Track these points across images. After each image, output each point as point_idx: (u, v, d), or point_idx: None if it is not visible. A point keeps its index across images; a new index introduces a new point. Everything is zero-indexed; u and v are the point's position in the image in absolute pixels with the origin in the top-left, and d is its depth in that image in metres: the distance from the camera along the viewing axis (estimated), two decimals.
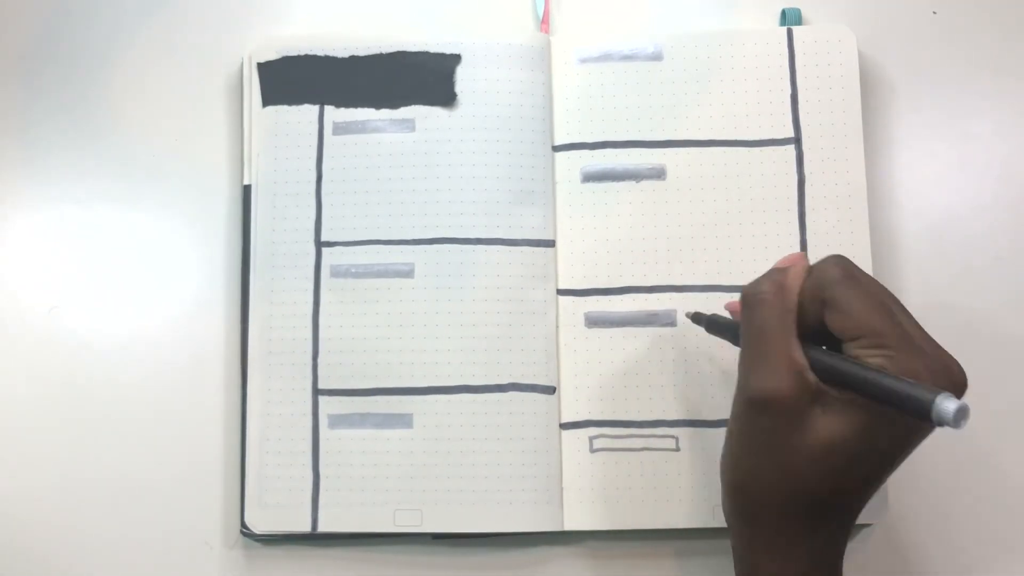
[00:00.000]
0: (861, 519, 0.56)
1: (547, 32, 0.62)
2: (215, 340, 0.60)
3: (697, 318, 0.56)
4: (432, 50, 0.61)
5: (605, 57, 0.61)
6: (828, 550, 0.49)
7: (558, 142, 0.60)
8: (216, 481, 0.59)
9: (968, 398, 0.59)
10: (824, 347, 0.48)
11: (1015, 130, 0.62)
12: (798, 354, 0.47)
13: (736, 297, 0.58)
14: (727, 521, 0.51)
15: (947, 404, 0.43)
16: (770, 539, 0.49)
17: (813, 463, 0.46)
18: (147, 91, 0.63)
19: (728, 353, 0.58)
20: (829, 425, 0.46)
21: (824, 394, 0.46)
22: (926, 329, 0.60)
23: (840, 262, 0.48)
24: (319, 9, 0.64)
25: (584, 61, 0.61)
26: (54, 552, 0.58)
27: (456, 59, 0.60)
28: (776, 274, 0.49)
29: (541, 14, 0.63)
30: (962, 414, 0.43)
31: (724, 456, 0.50)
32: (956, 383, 0.47)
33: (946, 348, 0.59)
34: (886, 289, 0.49)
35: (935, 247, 0.61)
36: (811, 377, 0.47)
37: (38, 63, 0.63)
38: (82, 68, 0.63)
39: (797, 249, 0.59)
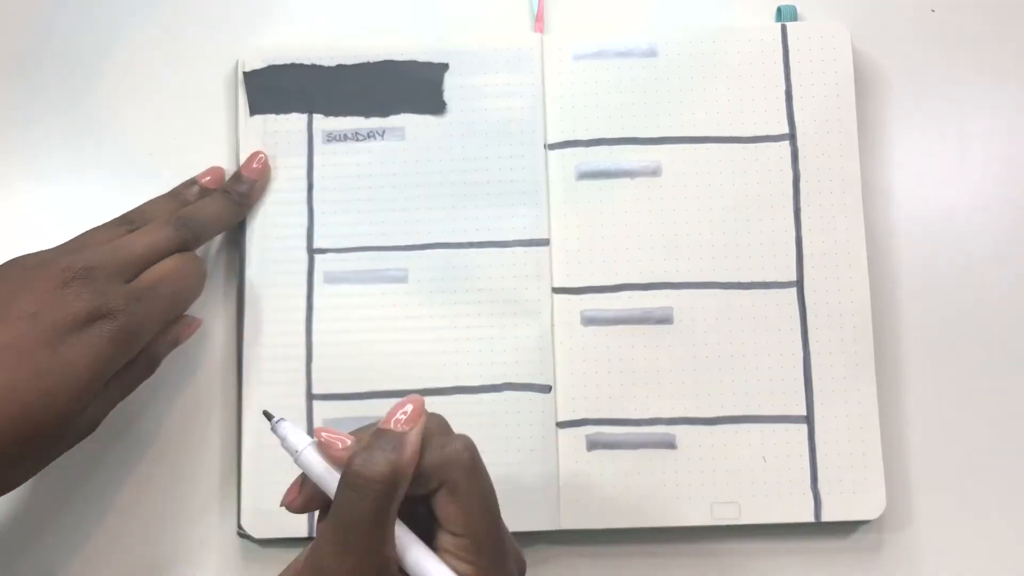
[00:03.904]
0: (856, 515, 0.57)
1: (541, 30, 0.62)
2: (211, 345, 0.60)
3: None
4: (420, 59, 0.60)
5: (599, 54, 0.61)
6: None
7: (552, 140, 0.60)
8: (213, 484, 0.59)
9: (965, 394, 0.59)
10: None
11: (1011, 127, 0.62)
12: (391, 548, 0.42)
13: (733, 295, 0.59)
14: None
15: None
16: None
17: None
18: (145, 94, 0.63)
19: (726, 350, 0.58)
20: None
21: None
22: (921, 323, 0.61)
23: (471, 446, 0.44)
24: (314, 16, 0.63)
25: (578, 58, 0.61)
26: (53, 553, 0.58)
27: (444, 67, 0.60)
28: (390, 451, 0.42)
29: (536, 12, 0.63)
30: None
31: None
32: None
33: (942, 344, 0.60)
34: (494, 491, 0.45)
35: (930, 243, 0.61)
36: (396, 572, 0.43)
37: (36, 65, 0.63)
38: (80, 70, 0.63)
39: (792, 246, 0.59)
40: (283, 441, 0.46)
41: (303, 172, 0.60)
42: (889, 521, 0.58)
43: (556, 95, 0.61)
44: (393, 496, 0.42)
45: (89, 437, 0.59)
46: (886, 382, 0.59)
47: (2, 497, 0.58)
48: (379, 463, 0.42)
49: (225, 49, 0.62)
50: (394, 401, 0.58)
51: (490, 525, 0.44)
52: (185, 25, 0.63)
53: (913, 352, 0.59)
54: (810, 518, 0.57)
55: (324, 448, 0.44)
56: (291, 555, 0.58)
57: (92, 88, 0.63)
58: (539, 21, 0.62)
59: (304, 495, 0.45)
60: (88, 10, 0.63)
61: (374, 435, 0.43)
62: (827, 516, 0.57)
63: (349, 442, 0.44)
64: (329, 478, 0.44)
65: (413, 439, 0.43)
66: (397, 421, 0.44)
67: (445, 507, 0.43)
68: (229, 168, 0.61)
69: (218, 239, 0.60)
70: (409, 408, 0.44)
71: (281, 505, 0.46)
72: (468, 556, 0.43)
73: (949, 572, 0.58)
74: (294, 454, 0.45)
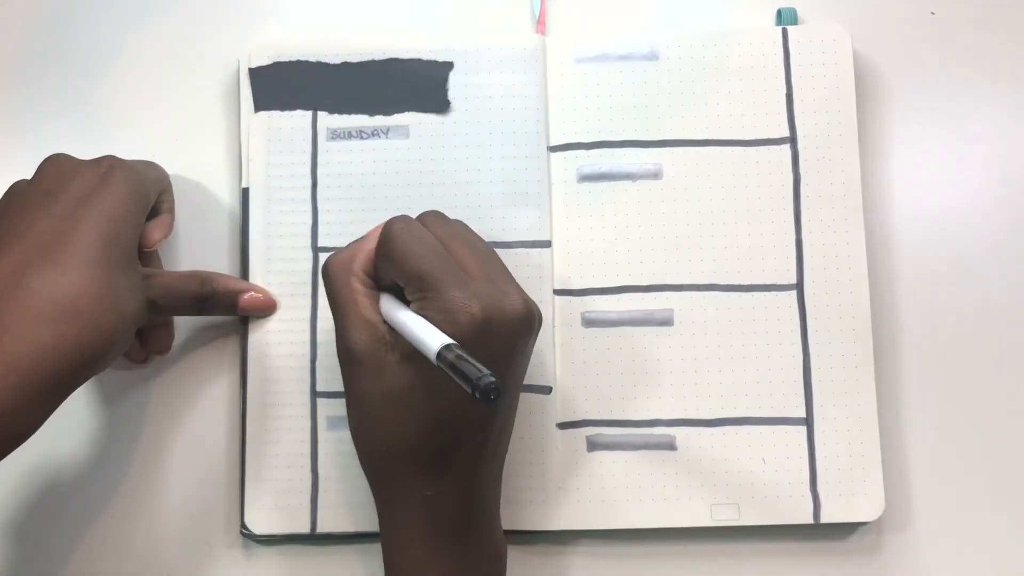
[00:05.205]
0: (855, 517, 0.57)
1: (543, 32, 0.62)
2: (215, 342, 0.60)
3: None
4: (424, 57, 0.61)
5: (601, 57, 0.61)
6: (446, 505, 0.50)
7: (554, 142, 0.60)
8: (216, 481, 0.59)
9: (964, 397, 0.59)
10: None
11: (1011, 130, 0.62)
12: (368, 310, 0.50)
13: (733, 297, 0.59)
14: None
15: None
16: (390, 491, 0.51)
17: (388, 409, 0.49)
18: (146, 93, 0.63)
19: (726, 352, 0.58)
20: (401, 372, 0.49)
21: (396, 344, 0.49)
22: (920, 326, 0.61)
23: (396, 220, 0.51)
24: (318, 14, 0.64)
25: (580, 61, 0.61)
26: (54, 552, 0.58)
27: (448, 66, 0.60)
28: (354, 244, 0.53)
29: (537, 14, 0.63)
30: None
31: (349, 425, 0.52)
32: (505, 310, 0.49)
33: (941, 346, 0.60)
34: (463, 235, 0.53)
35: (930, 246, 0.61)
36: (383, 328, 0.50)
37: (37, 66, 0.63)
38: (82, 70, 0.63)
39: (793, 249, 0.59)
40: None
41: (307, 169, 0.60)
42: (888, 523, 0.58)
43: (558, 97, 0.61)
44: (347, 272, 0.52)
45: (91, 436, 0.59)
46: (885, 384, 0.59)
47: (4, 497, 0.58)
48: (337, 254, 0.53)
49: (225, 50, 0.62)
50: None
51: (431, 261, 0.49)
52: (185, 27, 0.63)
53: (912, 355, 0.60)
54: (809, 519, 0.57)
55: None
56: (293, 553, 0.58)
57: (93, 89, 0.63)
58: (540, 23, 0.63)
59: None
60: (88, 15, 0.64)
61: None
62: (826, 518, 0.57)
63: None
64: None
65: (371, 234, 0.53)
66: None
67: (390, 272, 0.50)
68: (229, 168, 0.61)
69: (221, 236, 0.61)
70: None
71: None
72: (415, 295, 0.49)
73: (948, 573, 0.58)
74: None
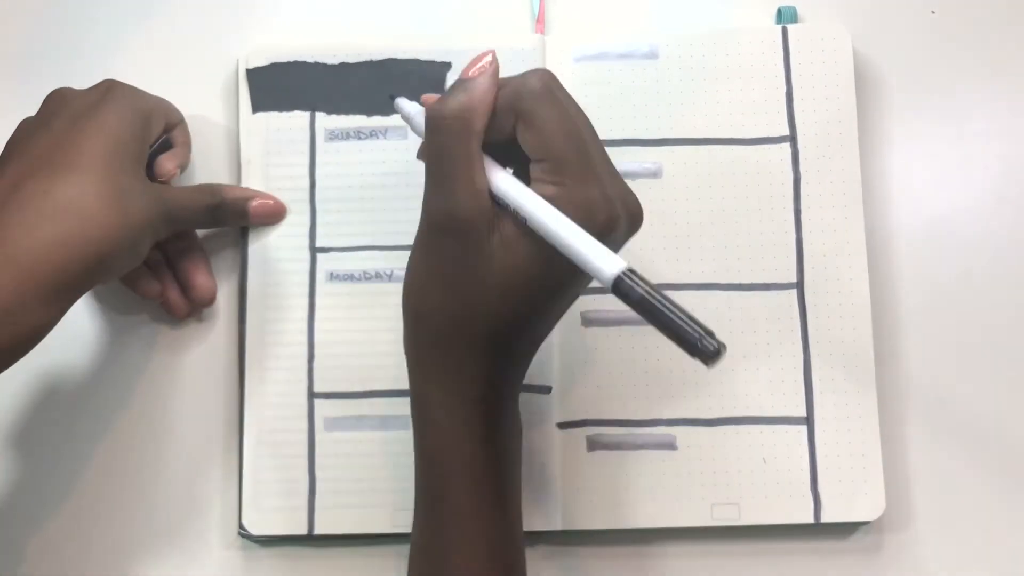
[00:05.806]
0: (856, 517, 0.57)
1: (542, 31, 0.62)
2: (213, 343, 0.60)
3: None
4: (423, 57, 0.61)
5: (601, 56, 0.61)
6: (500, 381, 0.49)
7: None
8: (214, 482, 0.59)
9: (965, 396, 0.59)
10: (510, 167, 0.47)
11: (1011, 129, 0.62)
12: (480, 178, 0.46)
13: (733, 296, 0.59)
14: (406, 353, 0.49)
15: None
16: (445, 368, 0.48)
17: (487, 289, 0.46)
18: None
19: (726, 351, 0.58)
20: (506, 252, 0.45)
21: (503, 221, 0.46)
22: (921, 325, 0.61)
23: (544, 76, 0.46)
24: (317, 15, 0.63)
25: (580, 60, 0.61)
26: (53, 552, 0.58)
27: (447, 66, 0.60)
28: (462, 92, 0.46)
29: (537, 13, 0.63)
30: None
31: (406, 285, 0.48)
32: (631, 213, 0.47)
33: (942, 345, 0.60)
34: (585, 116, 0.47)
35: (930, 245, 0.61)
36: (489, 202, 0.46)
37: (37, 66, 0.63)
38: (82, 70, 0.63)
39: (793, 247, 0.59)
40: (402, 115, 0.51)
41: (305, 171, 0.60)
42: (888, 522, 0.58)
43: None
44: (468, 131, 0.46)
45: (91, 436, 0.59)
46: (886, 383, 0.59)
47: (3, 497, 0.58)
48: (451, 103, 0.46)
49: (224, 51, 0.62)
50: (395, 400, 0.58)
51: (571, 143, 0.45)
52: (184, 27, 0.63)
53: (913, 353, 0.60)
54: (810, 519, 0.57)
55: (425, 105, 0.49)
56: (291, 554, 0.58)
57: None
58: (540, 22, 0.63)
59: None
60: (88, 15, 0.64)
61: (452, 85, 0.47)
62: (827, 517, 0.57)
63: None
64: None
65: (482, 81, 0.46)
66: (473, 71, 0.47)
67: (524, 137, 0.46)
68: (229, 168, 0.61)
69: (221, 236, 0.61)
70: (486, 60, 0.47)
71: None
72: (551, 178, 0.45)
73: (949, 573, 0.58)
74: (411, 121, 0.51)
